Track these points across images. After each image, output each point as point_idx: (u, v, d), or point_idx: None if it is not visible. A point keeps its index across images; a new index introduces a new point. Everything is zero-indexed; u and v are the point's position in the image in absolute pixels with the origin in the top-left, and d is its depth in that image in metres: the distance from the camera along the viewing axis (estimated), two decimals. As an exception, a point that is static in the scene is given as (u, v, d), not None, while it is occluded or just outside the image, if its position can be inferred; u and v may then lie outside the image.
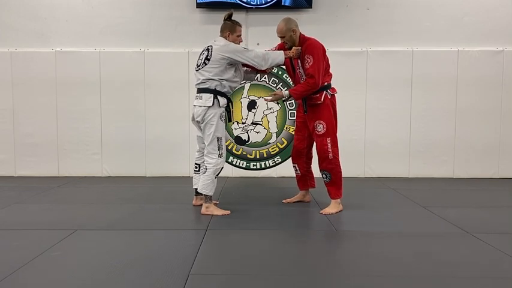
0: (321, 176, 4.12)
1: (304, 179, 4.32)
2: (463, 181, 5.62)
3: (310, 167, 4.35)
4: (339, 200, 4.09)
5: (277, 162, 5.83)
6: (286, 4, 5.64)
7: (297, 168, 4.28)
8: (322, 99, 3.94)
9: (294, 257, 2.94)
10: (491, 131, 5.76)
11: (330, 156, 3.99)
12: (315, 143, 4.10)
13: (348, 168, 5.80)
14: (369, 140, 5.80)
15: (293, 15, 5.70)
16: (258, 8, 5.68)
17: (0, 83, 5.81)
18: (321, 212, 4.01)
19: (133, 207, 4.21)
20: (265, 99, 4.12)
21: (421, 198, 4.58)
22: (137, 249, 3.03)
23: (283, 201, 4.38)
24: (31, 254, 2.89)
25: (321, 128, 3.97)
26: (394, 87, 5.75)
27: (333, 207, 4.04)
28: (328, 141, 3.97)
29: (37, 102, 5.80)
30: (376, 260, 2.85)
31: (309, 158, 4.32)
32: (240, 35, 3.98)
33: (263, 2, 5.65)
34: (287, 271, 2.67)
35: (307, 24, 5.73)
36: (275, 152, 5.82)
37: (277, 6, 5.63)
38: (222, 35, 3.94)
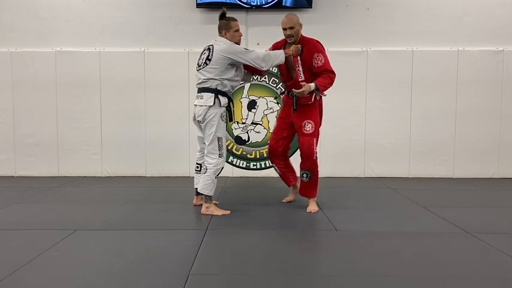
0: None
1: (286, 176, 4.33)
2: (463, 181, 5.62)
3: (288, 162, 4.34)
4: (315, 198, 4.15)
5: (277, 162, 5.83)
6: (287, 4, 5.64)
7: (276, 168, 4.29)
8: (312, 100, 3.98)
9: (294, 257, 2.94)
10: (491, 131, 5.76)
11: (315, 156, 4.03)
12: (300, 143, 4.05)
13: (348, 168, 5.85)
14: (369, 140, 5.80)
15: (293, 15, 5.73)
16: (258, 8, 5.67)
17: (0, 83, 5.81)
18: (308, 211, 4.02)
19: (133, 207, 4.21)
20: (296, 92, 3.84)
21: (421, 198, 4.58)
22: (137, 249, 3.03)
23: (283, 200, 4.38)
24: (31, 254, 2.89)
25: (309, 127, 3.99)
26: (394, 87, 5.75)
27: (314, 204, 4.10)
28: (315, 142, 4.03)
29: (37, 102, 5.80)
30: (376, 260, 2.85)
31: (285, 156, 4.32)
32: (238, 29, 3.96)
33: (264, 2, 5.65)
34: (287, 271, 2.67)
35: (307, 24, 5.70)
36: (275, 152, 5.81)
37: (278, 6, 5.63)
38: (220, 35, 3.94)
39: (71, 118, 5.81)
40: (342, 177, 5.77)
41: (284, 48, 4.04)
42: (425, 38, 5.79)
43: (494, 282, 2.53)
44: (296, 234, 3.47)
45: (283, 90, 4.31)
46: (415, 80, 5.74)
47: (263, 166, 5.85)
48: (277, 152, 4.22)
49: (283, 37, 4.05)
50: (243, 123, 5.82)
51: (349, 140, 5.79)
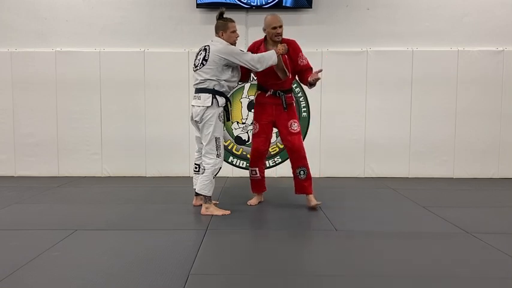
0: (292, 175, 4.18)
1: (262, 182, 4.33)
2: (463, 181, 5.63)
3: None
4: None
5: (277, 162, 5.84)
6: (287, 5, 5.64)
7: (257, 171, 4.25)
8: (294, 99, 4.22)
9: (294, 257, 2.94)
10: (491, 131, 5.76)
11: (304, 152, 4.12)
12: (288, 142, 4.08)
13: (348, 168, 5.85)
14: (369, 140, 5.80)
15: (293, 15, 5.74)
16: (258, 8, 5.67)
17: (0, 83, 5.81)
18: (314, 204, 4.08)
19: (133, 207, 4.22)
20: (313, 79, 3.94)
21: (421, 198, 4.58)
22: (137, 249, 3.03)
23: (249, 203, 4.31)
24: (31, 254, 2.89)
25: (296, 126, 4.10)
26: (394, 87, 5.75)
27: (313, 197, 4.15)
28: (301, 139, 4.15)
29: (37, 102, 5.81)
30: (376, 260, 2.85)
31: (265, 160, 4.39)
32: (235, 31, 3.95)
33: (264, 3, 5.65)
34: (287, 271, 2.67)
35: (307, 24, 5.75)
36: (275, 152, 5.81)
37: (278, 6, 5.63)
38: (216, 35, 3.95)
39: (71, 118, 5.81)
40: (342, 177, 5.78)
41: (264, 48, 4.05)
42: (425, 38, 5.79)
43: (494, 282, 2.53)
44: (296, 234, 3.48)
45: (260, 91, 4.22)
46: (415, 80, 5.74)
47: (263, 166, 5.84)
48: (264, 154, 4.26)
49: (275, 38, 4.02)
50: (243, 123, 5.82)
51: (349, 140, 5.79)
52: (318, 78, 3.97)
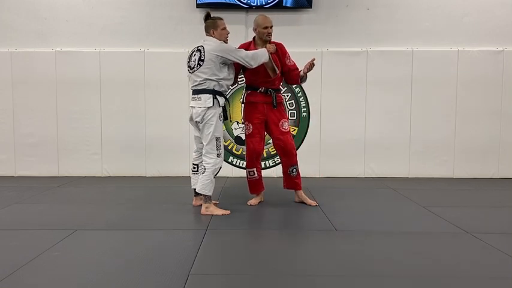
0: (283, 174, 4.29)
1: (260, 181, 4.34)
2: (463, 181, 5.63)
3: None
4: None
5: (277, 162, 5.83)
6: (287, 5, 5.63)
7: (255, 172, 4.27)
8: (282, 99, 4.34)
9: (294, 257, 2.94)
10: (491, 131, 5.76)
11: (296, 152, 4.20)
12: (281, 141, 4.15)
13: (348, 168, 5.85)
14: (369, 140, 5.80)
15: (293, 15, 5.74)
16: (258, 8, 5.66)
17: (0, 83, 5.81)
18: (315, 204, 4.20)
19: (133, 207, 4.22)
20: (307, 69, 4.11)
21: (421, 198, 4.58)
22: (137, 249, 3.03)
23: (249, 203, 4.30)
24: (31, 254, 2.89)
25: (286, 125, 4.20)
26: (394, 87, 5.75)
27: (307, 197, 4.29)
28: (292, 138, 4.26)
29: (37, 102, 5.81)
30: (376, 260, 2.85)
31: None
32: (225, 28, 4.00)
33: (264, 3, 5.64)
34: (287, 271, 2.67)
35: (307, 24, 5.74)
36: (275, 152, 5.80)
37: (278, 6, 5.62)
38: (207, 34, 3.98)
39: (71, 118, 5.82)
40: (342, 177, 5.78)
41: (255, 48, 4.10)
42: (425, 38, 5.79)
43: (494, 282, 2.53)
44: (296, 234, 3.47)
45: (249, 90, 4.27)
46: (415, 80, 5.74)
47: (263, 166, 5.82)
48: (261, 154, 4.28)
49: (266, 38, 4.09)
50: (243, 123, 5.80)
51: (349, 140, 5.79)
52: (313, 64, 4.08)
